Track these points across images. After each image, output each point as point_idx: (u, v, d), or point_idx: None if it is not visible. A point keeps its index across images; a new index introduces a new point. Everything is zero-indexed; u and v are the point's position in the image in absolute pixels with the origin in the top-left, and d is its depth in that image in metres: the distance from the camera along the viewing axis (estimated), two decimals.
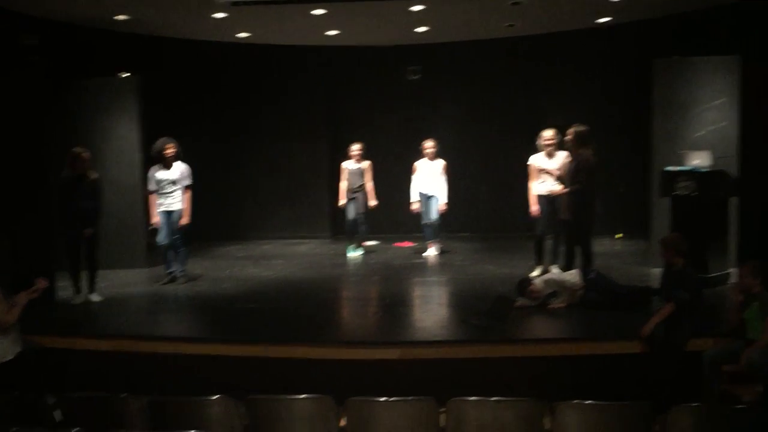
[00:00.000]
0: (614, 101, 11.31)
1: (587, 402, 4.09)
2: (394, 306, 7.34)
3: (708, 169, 7.60)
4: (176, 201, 8.20)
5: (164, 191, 8.20)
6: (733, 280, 7.22)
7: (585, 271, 6.99)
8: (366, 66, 11.91)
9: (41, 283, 5.60)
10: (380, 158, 10.92)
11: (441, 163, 9.81)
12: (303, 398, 4.24)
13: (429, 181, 9.77)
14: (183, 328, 6.88)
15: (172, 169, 8.20)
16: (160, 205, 8.22)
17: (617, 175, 10.92)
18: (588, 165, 7.26)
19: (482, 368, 5.81)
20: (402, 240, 11.31)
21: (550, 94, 11.55)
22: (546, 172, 8.02)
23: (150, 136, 9.05)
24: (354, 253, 10.20)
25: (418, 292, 8.16)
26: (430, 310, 7.32)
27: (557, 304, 6.82)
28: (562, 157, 8.03)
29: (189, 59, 11.19)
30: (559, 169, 7.93)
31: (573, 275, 6.89)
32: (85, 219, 7.41)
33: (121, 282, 8.54)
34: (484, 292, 7.47)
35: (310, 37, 10.70)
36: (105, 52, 9.70)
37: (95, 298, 7.56)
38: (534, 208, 8.34)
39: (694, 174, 7.60)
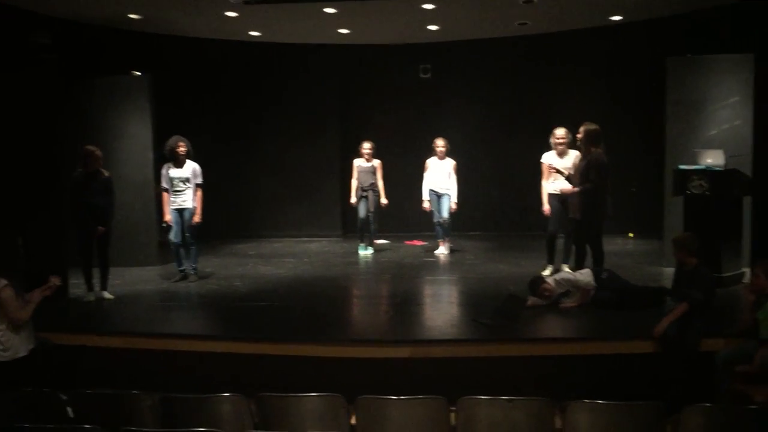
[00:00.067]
0: (626, 100, 11.26)
1: (598, 402, 4.07)
2: (405, 304, 7.34)
3: (721, 168, 7.54)
4: (188, 199, 8.24)
5: (176, 189, 8.24)
6: (746, 279, 7.18)
7: (597, 271, 6.96)
8: (377, 64, 11.91)
9: (54, 281, 5.63)
10: (391, 157, 10.92)
11: (451, 162, 9.80)
12: (313, 396, 4.24)
13: (440, 179, 9.76)
14: (194, 326, 6.90)
15: (184, 167, 8.23)
16: (173, 203, 8.26)
17: (629, 174, 10.88)
18: (599, 164, 7.22)
19: (493, 367, 5.80)
20: (413, 238, 11.31)
21: (561, 93, 11.50)
22: (556, 170, 7.99)
23: (161, 134, 9.10)
24: (365, 252, 10.21)
25: (428, 291, 8.15)
26: (441, 309, 7.31)
27: (569, 303, 6.80)
28: (573, 155, 8.00)
29: (200, 58, 11.24)
30: (568, 168, 7.89)
31: (585, 275, 6.85)
32: (98, 217, 7.44)
33: (133, 279, 8.58)
34: (495, 291, 7.45)
35: (322, 36, 10.71)
36: (116, 51, 9.75)
37: (107, 295, 7.60)
38: (545, 207, 8.32)
39: (707, 173, 7.54)
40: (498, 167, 11.84)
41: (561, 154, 8.18)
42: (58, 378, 5.58)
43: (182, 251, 8.39)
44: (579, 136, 7.47)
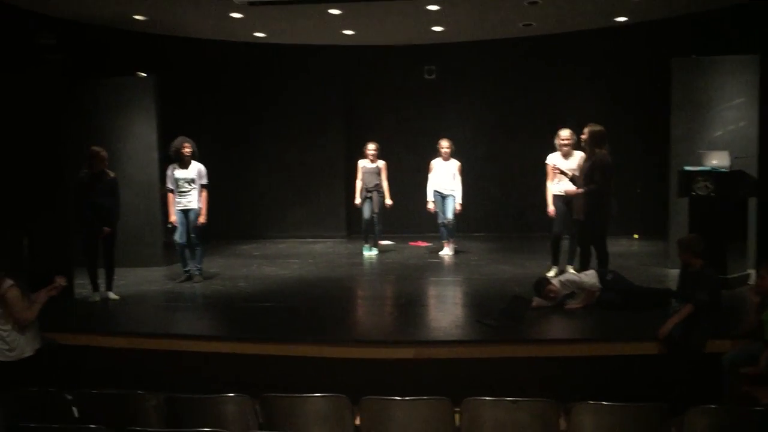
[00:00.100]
0: (630, 101, 11.25)
1: (603, 403, 4.06)
2: (410, 305, 7.34)
3: (727, 169, 7.52)
4: (193, 200, 8.25)
5: (181, 190, 8.25)
6: (751, 281, 7.16)
7: (602, 272, 6.94)
8: (382, 65, 11.92)
9: (60, 281, 5.65)
10: (395, 158, 10.94)
11: (456, 163, 9.80)
12: (318, 397, 4.24)
13: (444, 180, 9.76)
14: (199, 326, 6.91)
15: (189, 168, 8.25)
16: (178, 203, 8.27)
17: (633, 175, 10.86)
18: (603, 165, 7.20)
19: (497, 368, 5.79)
20: (417, 239, 11.31)
21: (565, 94, 11.50)
22: (559, 171, 7.98)
23: (166, 135, 9.13)
24: (369, 253, 10.22)
25: (433, 292, 8.15)
26: (446, 310, 7.31)
27: (574, 304, 6.79)
28: (578, 157, 7.99)
29: (205, 59, 11.26)
30: (572, 170, 7.86)
31: (590, 276, 6.84)
32: (103, 217, 7.46)
33: (139, 280, 8.60)
34: (500, 292, 7.45)
35: (326, 37, 10.72)
36: (121, 52, 9.78)
37: (112, 296, 7.61)
38: (550, 208, 8.32)
39: (712, 174, 7.52)
40: (502, 168, 11.83)
41: (566, 156, 8.18)
42: (64, 378, 5.60)
43: (187, 252, 8.40)
44: (583, 137, 7.46)
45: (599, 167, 7.20)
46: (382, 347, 5.96)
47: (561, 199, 8.13)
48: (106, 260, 7.63)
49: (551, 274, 8.12)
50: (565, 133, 8.20)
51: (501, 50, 11.28)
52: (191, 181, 8.24)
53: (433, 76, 11.96)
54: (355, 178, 10.24)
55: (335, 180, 12.03)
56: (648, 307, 6.53)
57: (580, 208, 7.41)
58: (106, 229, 7.49)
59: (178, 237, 8.31)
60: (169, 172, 8.34)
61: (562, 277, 7.02)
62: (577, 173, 7.69)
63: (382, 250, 10.43)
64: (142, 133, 9.46)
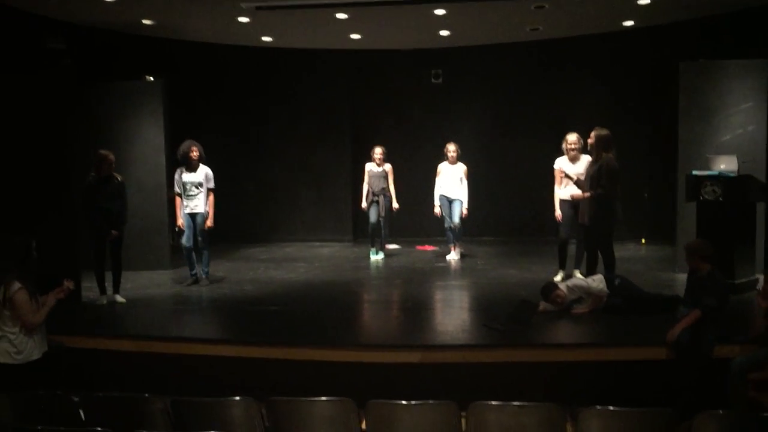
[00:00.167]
0: (638, 105, 11.24)
1: (610, 408, 4.04)
2: (416, 309, 7.34)
3: (734, 174, 7.49)
4: (200, 203, 8.27)
5: (189, 194, 8.28)
6: (759, 286, 7.12)
7: (610, 277, 6.92)
8: (388, 69, 11.94)
9: (68, 284, 5.66)
10: (402, 161, 10.94)
11: (463, 167, 9.80)
12: (324, 400, 4.24)
13: (451, 184, 9.76)
14: (206, 330, 6.92)
15: (196, 171, 8.27)
16: (185, 207, 8.30)
17: (641, 179, 10.85)
18: (610, 169, 7.19)
19: (504, 372, 5.78)
20: (424, 243, 11.31)
21: (572, 98, 11.49)
22: (565, 175, 7.97)
23: (173, 138, 9.16)
24: (376, 257, 10.22)
25: (439, 296, 8.14)
26: (452, 314, 7.30)
27: (581, 309, 6.77)
28: (586, 161, 7.97)
29: (212, 62, 11.32)
30: (579, 174, 7.84)
31: (598, 281, 6.82)
32: (111, 221, 7.48)
33: (146, 283, 8.63)
34: (506, 296, 7.44)
35: (333, 41, 10.75)
36: (129, 56, 9.83)
37: (119, 299, 7.63)
38: (557, 212, 8.31)
39: (720, 179, 7.50)
40: (509, 172, 11.82)
41: (573, 160, 8.16)
42: (71, 381, 5.62)
43: (194, 255, 8.42)
44: (590, 141, 7.44)
45: (606, 171, 7.18)
46: (389, 351, 5.96)
47: (568, 204, 8.12)
48: (113, 263, 7.66)
49: (558, 278, 8.11)
50: (572, 138, 8.19)
51: (508, 54, 11.28)
52: (199, 184, 8.26)
53: (439, 80, 11.97)
54: (361, 181, 10.26)
55: (342, 183, 12.04)
56: (655, 312, 6.51)
57: (586, 212, 7.39)
58: (114, 232, 7.51)
59: (185, 240, 8.33)
60: (176, 176, 8.36)
61: (570, 282, 7.00)
62: (583, 177, 7.68)
63: (389, 254, 10.43)
64: (149, 137, 9.49)
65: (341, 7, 8.62)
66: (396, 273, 9.25)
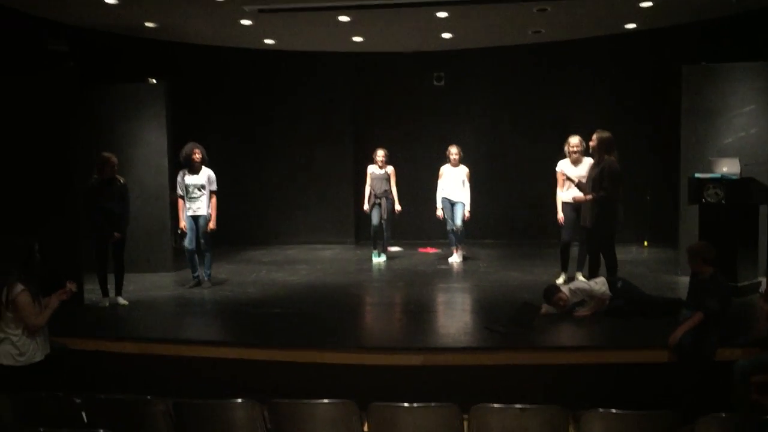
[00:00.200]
0: (640, 108, 11.24)
1: (613, 411, 4.04)
2: (418, 312, 7.34)
3: (737, 177, 7.48)
4: (203, 206, 8.28)
5: (191, 196, 8.29)
6: (762, 289, 7.11)
7: (612, 280, 6.92)
8: (391, 72, 11.95)
9: (71, 287, 5.67)
10: (404, 164, 10.95)
11: (465, 169, 9.80)
12: (326, 403, 4.24)
13: (453, 187, 9.76)
14: (208, 332, 6.93)
15: (199, 174, 8.28)
16: (188, 209, 8.31)
17: (643, 182, 10.84)
18: (612, 171, 7.19)
19: (506, 375, 5.78)
20: (426, 246, 11.31)
21: (574, 101, 11.49)
22: (566, 177, 7.97)
23: (175, 141, 9.17)
24: (378, 259, 10.22)
25: (442, 299, 8.13)
26: (454, 317, 7.30)
27: (583, 312, 6.77)
28: (588, 163, 7.97)
29: (214, 65, 11.33)
30: (581, 176, 7.83)
31: (600, 284, 6.82)
32: (114, 223, 7.49)
33: (148, 285, 8.63)
34: (508, 298, 7.44)
35: (336, 44, 10.76)
36: (131, 58, 9.85)
37: (122, 301, 7.64)
38: (560, 215, 8.30)
39: (722, 181, 7.49)
40: (511, 175, 11.82)
41: (575, 162, 8.16)
42: (73, 383, 5.62)
43: (197, 258, 8.43)
44: (592, 144, 7.45)
45: (608, 174, 7.18)
46: (391, 353, 5.96)
47: (570, 206, 8.11)
48: (115, 266, 7.67)
49: (560, 280, 8.11)
50: (574, 140, 8.19)
51: (510, 57, 11.29)
52: (201, 187, 8.28)
53: (442, 83, 11.98)
54: (363, 184, 10.26)
55: (344, 186, 12.05)
56: (658, 315, 6.50)
57: (588, 215, 7.39)
58: (116, 234, 7.52)
59: (188, 243, 8.34)
60: (179, 178, 8.37)
61: (572, 285, 6.99)
62: (585, 180, 7.67)
63: (391, 257, 10.43)
64: (152, 139, 9.51)
65: (343, 10, 8.63)
66: (398, 275, 9.25)
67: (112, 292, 7.68)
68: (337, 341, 6.26)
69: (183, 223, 8.36)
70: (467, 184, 9.78)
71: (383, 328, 7.03)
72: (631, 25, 9.74)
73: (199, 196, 8.28)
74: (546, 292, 6.88)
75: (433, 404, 4.16)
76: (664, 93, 10.37)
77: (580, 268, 8.20)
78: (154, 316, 7.42)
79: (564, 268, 8.33)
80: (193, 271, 8.49)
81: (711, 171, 7.70)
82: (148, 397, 4.36)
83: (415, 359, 5.86)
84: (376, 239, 10.24)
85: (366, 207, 10.16)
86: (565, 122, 10.42)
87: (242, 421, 4.23)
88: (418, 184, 11.07)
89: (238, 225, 11.52)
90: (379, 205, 10.02)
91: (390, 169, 10.06)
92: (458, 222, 9.75)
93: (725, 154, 8.00)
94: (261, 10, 8.52)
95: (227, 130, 11.89)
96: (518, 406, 4.08)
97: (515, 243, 11.50)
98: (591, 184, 7.37)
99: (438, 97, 12.02)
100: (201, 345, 6.29)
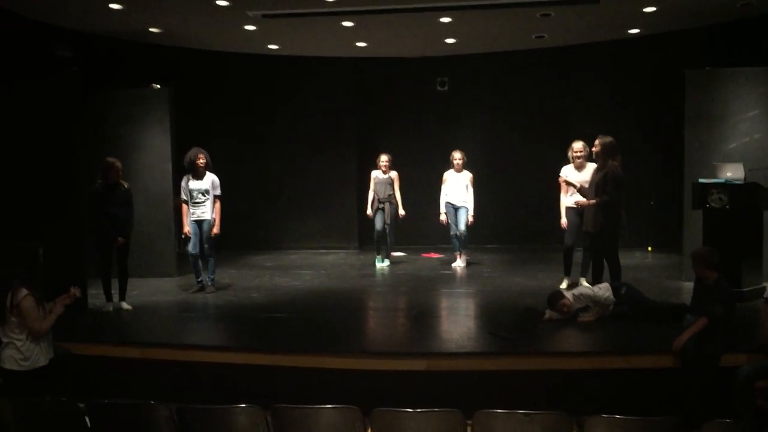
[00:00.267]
0: (644, 113, 11.23)
1: (617, 416, 4.03)
2: (422, 317, 7.33)
3: (741, 182, 7.48)
4: (207, 211, 8.30)
5: (195, 201, 8.30)
6: (767, 294, 7.09)
7: (616, 286, 6.90)
8: (394, 77, 11.97)
9: (75, 291, 5.68)
10: (408, 169, 10.94)
11: (468, 174, 9.80)
12: (329, 408, 4.24)
13: (457, 192, 9.76)
14: (211, 337, 6.93)
15: (203, 179, 8.30)
16: (192, 214, 8.32)
17: (646, 187, 10.83)
18: (615, 176, 7.18)
19: (510, 381, 5.77)
20: (429, 251, 11.30)
21: (578, 106, 11.49)
22: (567, 183, 7.97)
23: (179, 146, 9.19)
24: (381, 264, 10.22)
25: (445, 304, 8.13)
26: (458, 322, 7.29)
27: (587, 317, 6.75)
28: (592, 169, 7.96)
29: (218, 70, 11.36)
30: (584, 182, 7.81)
31: (604, 289, 6.80)
32: (118, 228, 7.51)
33: (151, 290, 8.65)
34: (512, 304, 7.42)
35: (339, 49, 10.77)
36: (135, 63, 9.88)
37: (126, 306, 7.65)
38: (563, 220, 8.30)
39: (726, 186, 7.48)
40: (515, 180, 11.82)
41: (579, 168, 8.16)
42: (76, 387, 5.63)
43: (200, 263, 8.44)
44: (595, 149, 7.44)
45: (612, 179, 7.17)
46: (394, 359, 5.95)
47: (574, 211, 8.11)
48: (119, 270, 7.68)
49: (563, 285, 8.11)
50: (578, 146, 8.19)
51: (513, 62, 11.29)
52: (205, 192, 8.29)
53: (445, 88, 11.99)
54: (367, 189, 10.27)
55: (347, 191, 12.06)
56: (662, 320, 6.48)
57: (591, 220, 7.38)
58: (120, 239, 7.54)
59: (192, 248, 8.35)
60: (183, 183, 8.39)
61: (576, 291, 6.98)
62: (587, 185, 7.66)
63: (394, 262, 10.43)
64: (156, 144, 9.53)
65: (347, 15, 8.64)
66: (401, 280, 9.24)
67: (115, 297, 7.69)
68: (341, 346, 6.26)
69: (187, 228, 8.37)
70: (471, 189, 9.77)
71: (386, 333, 7.03)
72: (635, 30, 9.73)
73: (203, 201, 8.29)
74: (550, 298, 6.87)
75: (436, 410, 4.16)
76: (668, 98, 10.37)
77: (583, 274, 8.19)
78: (158, 321, 7.42)
79: (567, 273, 8.32)
80: (197, 276, 8.50)
81: (715, 176, 7.70)
82: (152, 402, 4.37)
83: (418, 364, 5.86)
84: (380, 244, 10.24)
85: (369, 212, 10.16)
86: (569, 127, 10.43)
87: (245, 427, 4.24)
88: (422, 189, 11.07)
89: (242, 230, 11.53)
90: (383, 210, 10.02)
91: (394, 174, 10.07)
92: (462, 227, 9.74)
93: (729, 159, 7.99)
94: (265, 16, 8.54)
95: (231, 135, 11.90)
96: (522, 411, 4.08)
97: (519, 248, 11.49)
98: (594, 189, 7.36)
99: (441, 102, 12.03)
100: (204, 350, 6.28)
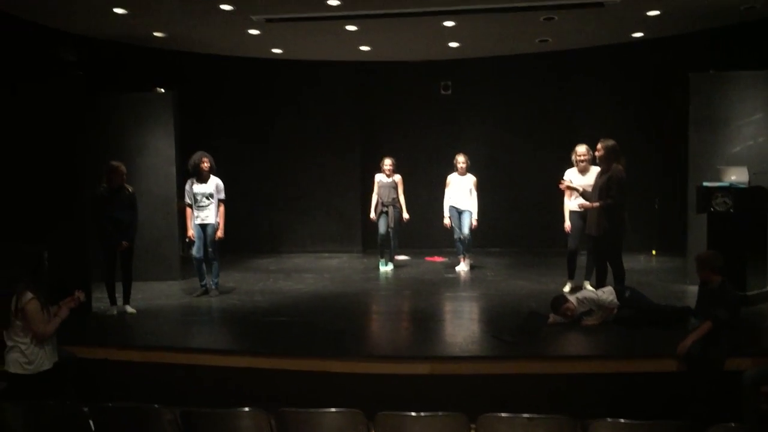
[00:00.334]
0: (648, 116, 11.22)
1: (621, 420, 4.02)
2: (425, 321, 7.32)
3: (745, 185, 7.47)
4: (211, 214, 8.31)
5: (199, 205, 8.31)
6: None
7: (620, 289, 6.89)
8: (398, 81, 11.99)
9: (79, 295, 5.69)
10: (412, 173, 10.95)
11: (472, 178, 9.80)
12: (333, 412, 4.24)
13: (461, 195, 9.76)
14: (215, 341, 6.93)
15: (207, 182, 8.31)
16: (196, 218, 8.33)
17: (651, 191, 10.81)
18: (619, 180, 7.18)
19: (513, 384, 5.76)
20: (433, 255, 11.30)
21: (581, 109, 11.50)
22: (568, 187, 7.97)
23: (183, 150, 9.21)
24: (385, 268, 10.21)
25: (449, 307, 8.12)
26: (462, 326, 7.28)
27: (591, 321, 6.75)
28: (595, 172, 7.96)
29: (222, 74, 11.39)
30: (587, 185, 7.80)
31: (608, 293, 6.80)
32: (122, 231, 7.52)
33: (156, 294, 8.65)
34: (516, 307, 7.43)
35: (343, 53, 10.80)
36: (139, 67, 9.91)
37: (130, 309, 7.66)
38: (567, 223, 8.29)
39: (731, 190, 7.47)
40: (518, 183, 11.82)
41: (583, 171, 8.15)
42: (81, 391, 5.64)
43: (204, 266, 8.45)
44: (598, 153, 7.44)
45: (615, 182, 7.17)
46: (398, 362, 5.95)
47: (577, 215, 8.10)
48: (123, 274, 7.69)
49: (567, 288, 8.10)
50: (581, 149, 8.18)
51: (517, 65, 11.31)
52: (209, 195, 8.30)
53: (449, 92, 12.00)
54: (370, 192, 10.27)
55: (351, 195, 12.07)
56: (666, 324, 6.47)
57: (594, 223, 7.38)
58: (124, 243, 7.55)
59: (196, 251, 8.36)
60: (187, 187, 8.40)
61: (580, 295, 6.97)
62: (590, 189, 7.66)
63: (398, 265, 10.43)
64: (160, 148, 9.55)
65: (351, 19, 8.66)
66: (405, 284, 9.24)
67: (120, 301, 7.70)
68: (345, 350, 6.26)
69: (191, 232, 8.38)
70: (474, 193, 9.78)
71: (390, 336, 7.02)
72: (638, 34, 9.74)
73: (207, 204, 8.31)
74: (554, 302, 6.86)
75: (440, 413, 4.15)
76: (670, 101, 10.36)
77: (587, 277, 8.18)
78: (162, 324, 7.43)
79: (571, 276, 8.32)
80: (201, 280, 8.51)
81: (719, 179, 7.68)
82: (156, 406, 4.37)
83: (422, 368, 5.85)
84: (384, 248, 10.24)
85: (373, 216, 10.16)
86: (572, 131, 10.42)
87: (249, 430, 4.23)
88: (426, 192, 11.08)
89: (246, 233, 11.55)
90: (387, 213, 10.02)
91: (397, 177, 10.07)
92: (465, 231, 9.74)
93: (733, 162, 7.97)
94: (269, 20, 8.56)
95: (234, 138, 11.93)
96: (526, 415, 4.07)
97: (522, 251, 11.49)
98: (598, 192, 7.36)
99: (445, 106, 12.05)
100: (208, 353, 6.29)
